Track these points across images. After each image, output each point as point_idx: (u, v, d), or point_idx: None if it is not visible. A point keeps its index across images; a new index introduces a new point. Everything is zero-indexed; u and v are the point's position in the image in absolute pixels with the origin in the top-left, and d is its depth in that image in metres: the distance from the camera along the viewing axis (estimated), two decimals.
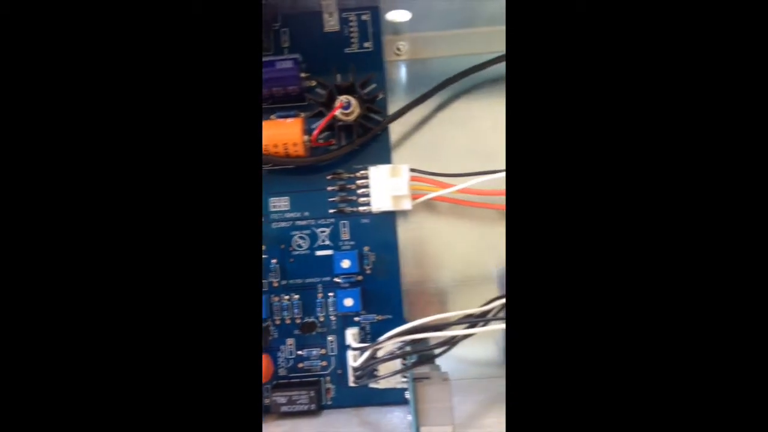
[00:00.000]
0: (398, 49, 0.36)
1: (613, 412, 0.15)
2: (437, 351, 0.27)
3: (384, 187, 0.31)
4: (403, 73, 0.37)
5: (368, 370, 0.28)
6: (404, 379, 0.27)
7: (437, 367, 0.31)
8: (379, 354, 0.27)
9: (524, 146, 0.16)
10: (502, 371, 0.36)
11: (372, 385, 0.30)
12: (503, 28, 0.35)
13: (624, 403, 0.15)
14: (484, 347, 0.37)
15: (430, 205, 0.36)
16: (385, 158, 0.33)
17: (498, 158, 0.36)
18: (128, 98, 0.16)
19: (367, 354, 0.27)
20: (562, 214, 0.16)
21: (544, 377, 0.16)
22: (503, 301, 0.30)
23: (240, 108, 0.17)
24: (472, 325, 0.27)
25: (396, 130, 0.35)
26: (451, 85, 0.35)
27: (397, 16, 0.34)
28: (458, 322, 0.28)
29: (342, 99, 0.30)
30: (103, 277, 0.16)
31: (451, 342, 0.26)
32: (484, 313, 0.29)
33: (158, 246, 0.16)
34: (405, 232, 0.36)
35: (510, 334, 0.16)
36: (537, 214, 0.16)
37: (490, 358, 0.36)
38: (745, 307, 0.15)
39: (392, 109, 0.33)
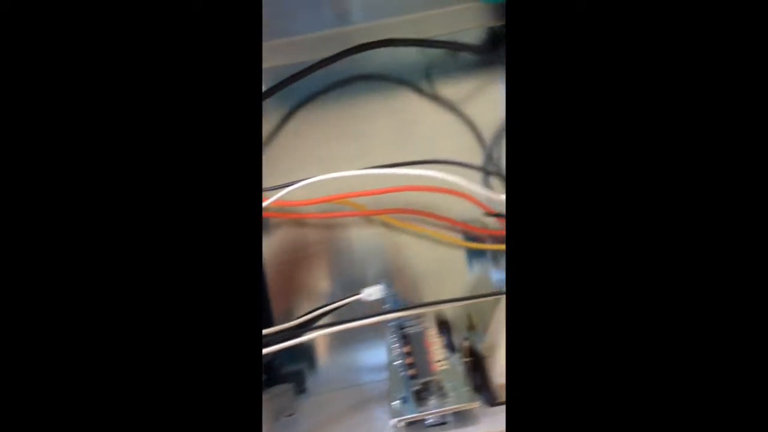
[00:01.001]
0: None
1: (612, 413, 0.15)
2: None
3: None
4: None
5: None
6: None
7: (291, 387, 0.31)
8: None
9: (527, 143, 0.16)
10: (383, 375, 0.35)
11: None
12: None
13: (625, 405, 0.15)
14: (372, 352, 0.36)
15: (295, 220, 0.36)
16: None
17: (336, 164, 0.36)
18: (125, 97, 0.16)
19: None
20: (566, 214, 0.15)
21: (545, 377, 0.15)
22: (321, 311, 0.29)
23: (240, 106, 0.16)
24: (287, 338, 0.27)
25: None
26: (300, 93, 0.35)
27: None
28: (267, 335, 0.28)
29: None
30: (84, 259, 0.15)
31: None
32: (301, 325, 0.29)
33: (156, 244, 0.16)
34: (271, 249, 0.36)
35: (511, 333, 0.16)
36: (540, 215, 0.15)
37: (377, 363, 0.36)
38: (745, 306, 0.15)
39: None
